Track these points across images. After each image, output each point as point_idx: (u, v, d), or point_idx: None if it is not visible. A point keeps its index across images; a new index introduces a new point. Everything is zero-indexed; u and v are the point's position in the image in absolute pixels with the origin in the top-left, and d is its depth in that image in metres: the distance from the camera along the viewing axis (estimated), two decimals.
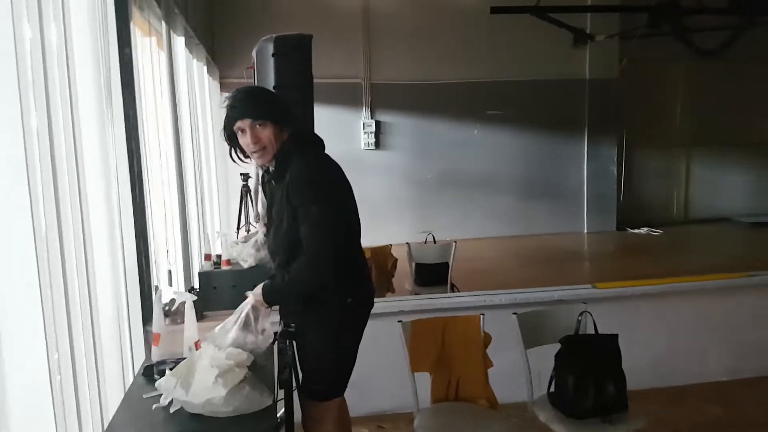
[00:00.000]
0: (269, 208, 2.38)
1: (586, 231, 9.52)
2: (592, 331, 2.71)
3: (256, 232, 5.60)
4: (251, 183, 6.17)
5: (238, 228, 6.25)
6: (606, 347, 2.61)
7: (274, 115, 2.21)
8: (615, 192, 9.67)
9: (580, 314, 2.74)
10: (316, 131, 2.56)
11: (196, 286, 4.18)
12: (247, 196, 6.32)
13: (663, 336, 3.88)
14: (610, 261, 8.21)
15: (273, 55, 2.64)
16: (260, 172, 6.66)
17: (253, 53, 2.77)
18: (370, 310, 2.41)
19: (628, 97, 9.56)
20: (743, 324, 3.96)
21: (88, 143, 2.20)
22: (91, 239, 2.19)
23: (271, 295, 2.21)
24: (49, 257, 1.79)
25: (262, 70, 2.70)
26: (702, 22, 8.16)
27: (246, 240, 4.46)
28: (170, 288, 3.71)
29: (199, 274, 4.22)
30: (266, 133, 2.20)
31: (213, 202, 6.05)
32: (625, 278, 4.11)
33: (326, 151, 2.39)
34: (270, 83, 2.66)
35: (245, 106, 2.20)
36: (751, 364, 3.96)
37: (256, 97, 2.27)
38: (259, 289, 2.22)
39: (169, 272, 3.82)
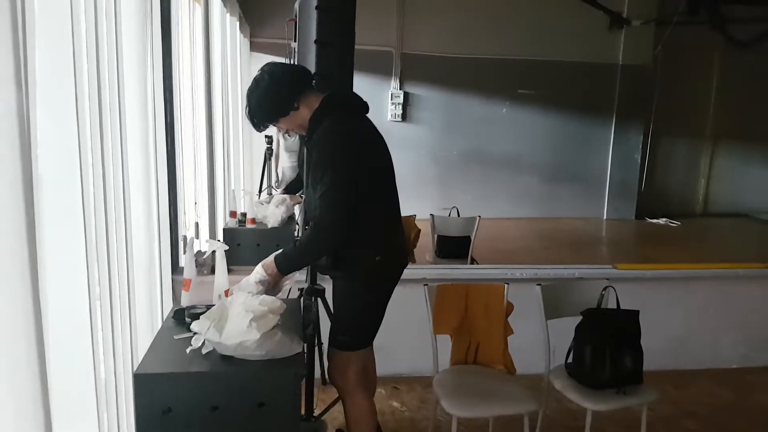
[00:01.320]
0: (306, 172, 2.43)
1: (605, 217, 9.46)
2: (614, 306, 2.74)
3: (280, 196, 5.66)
4: (274, 146, 6.21)
5: (260, 191, 6.31)
6: (626, 322, 2.64)
7: (276, 115, 2.28)
8: (637, 180, 9.58)
9: (604, 289, 2.77)
10: None
11: (221, 240, 4.24)
12: (270, 159, 6.37)
13: (678, 320, 3.91)
14: (629, 247, 8.19)
15: (316, 8, 2.60)
16: (285, 136, 6.64)
17: (296, 5, 2.75)
18: (402, 269, 2.43)
19: (659, 85, 9.41)
20: (759, 314, 3.98)
21: (130, 88, 2.23)
22: (129, 185, 2.24)
23: (284, 265, 2.24)
24: (95, 201, 1.85)
25: (304, 24, 2.68)
26: (739, 13, 8.03)
27: (270, 201, 4.51)
28: (197, 240, 3.77)
29: (224, 230, 4.26)
30: (283, 124, 2.32)
31: (238, 161, 6.10)
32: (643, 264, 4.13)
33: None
34: (311, 37, 2.63)
35: (252, 121, 2.33)
36: (764, 353, 3.98)
37: (250, 112, 2.31)
38: (271, 260, 2.23)
39: (197, 224, 3.87)
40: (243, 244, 4.19)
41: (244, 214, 4.41)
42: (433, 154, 8.95)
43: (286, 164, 6.23)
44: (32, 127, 1.30)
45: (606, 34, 8.96)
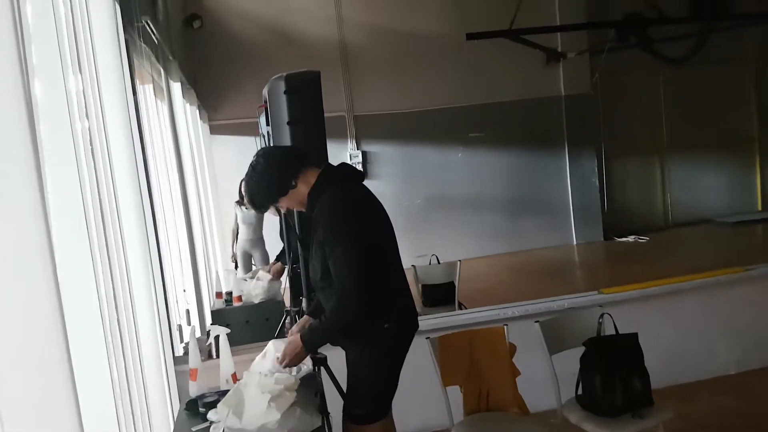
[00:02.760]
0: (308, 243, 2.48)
1: (575, 243, 9.67)
2: (612, 332, 2.81)
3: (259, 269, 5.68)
4: (232, 219, 6.26)
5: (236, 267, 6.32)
6: (628, 346, 2.71)
7: (276, 195, 2.34)
8: (599, 203, 9.84)
9: (600, 316, 2.84)
10: None
11: (209, 324, 4.21)
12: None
13: (671, 335, 3.98)
14: (605, 269, 8.35)
15: (285, 92, 2.73)
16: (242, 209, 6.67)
17: (265, 92, 2.87)
18: (414, 332, 2.44)
19: (604, 109, 9.83)
20: (746, 317, 4.09)
21: (123, 193, 2.26)
22: (132, 283, 2.25)
23: (312, 344, 2.30)
24: (108, 301, 1.86)
25: (275, 107, 2.80)
26: (667, 32, 8.53)
27: (253, 276, 4.52)
28: (189, 327, 3.73)
29: (212, 312, 4.25)
30: (284, 203, 2.40)
31: (215, 241, 6.10)
32: (623, 284, 4.23)
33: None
34: (284, 119, 2.76)
35: (254, 204, 2.43)
36: (757, 355, 4.08)
37: (251, 196, 2.40)
38: (298, 339, 2.29)
39: (188, 312, 3.84)
40: (232, 323, 4.17)
41: (229, 293, 4.39)
42: (398, 205, 9.04)
43: (243, 237, 6.25)
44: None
45: (545, 70, 9.39)
